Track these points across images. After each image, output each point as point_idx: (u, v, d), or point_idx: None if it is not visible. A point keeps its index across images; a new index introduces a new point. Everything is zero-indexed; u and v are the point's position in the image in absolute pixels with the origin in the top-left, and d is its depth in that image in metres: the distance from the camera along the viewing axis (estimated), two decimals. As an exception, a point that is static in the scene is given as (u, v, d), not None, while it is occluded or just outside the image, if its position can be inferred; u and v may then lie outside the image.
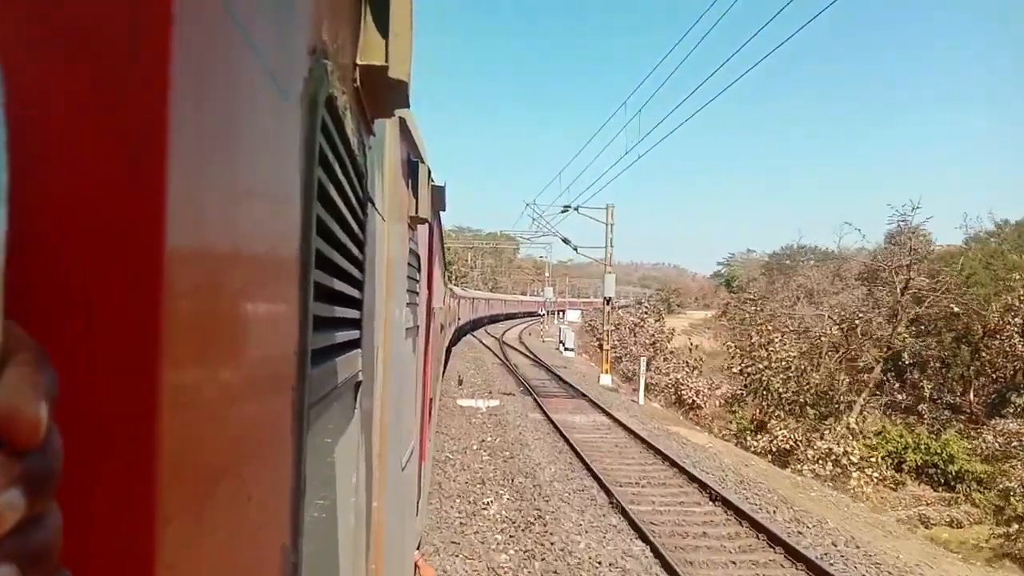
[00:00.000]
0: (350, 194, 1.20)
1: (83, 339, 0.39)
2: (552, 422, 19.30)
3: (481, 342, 49.67)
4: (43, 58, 0.37)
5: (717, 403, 37.97)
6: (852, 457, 26.04)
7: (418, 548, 4.80)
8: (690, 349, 46.29)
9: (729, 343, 42.81)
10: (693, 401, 37.39)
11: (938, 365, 36.03)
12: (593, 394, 24.95)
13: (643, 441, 17.11)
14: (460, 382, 25.36)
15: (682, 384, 38.52)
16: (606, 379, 32.60)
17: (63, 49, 0.38)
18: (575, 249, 33.81)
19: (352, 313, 1.35)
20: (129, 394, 0.39)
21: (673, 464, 14.86)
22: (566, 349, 48.20)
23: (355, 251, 1.31)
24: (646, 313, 57.31)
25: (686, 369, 40.52)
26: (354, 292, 1.34)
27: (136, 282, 0.39)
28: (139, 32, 0.38)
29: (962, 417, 34.08)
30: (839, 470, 25.93)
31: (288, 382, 0.73)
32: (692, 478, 13.80)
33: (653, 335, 49.64)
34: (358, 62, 1.20)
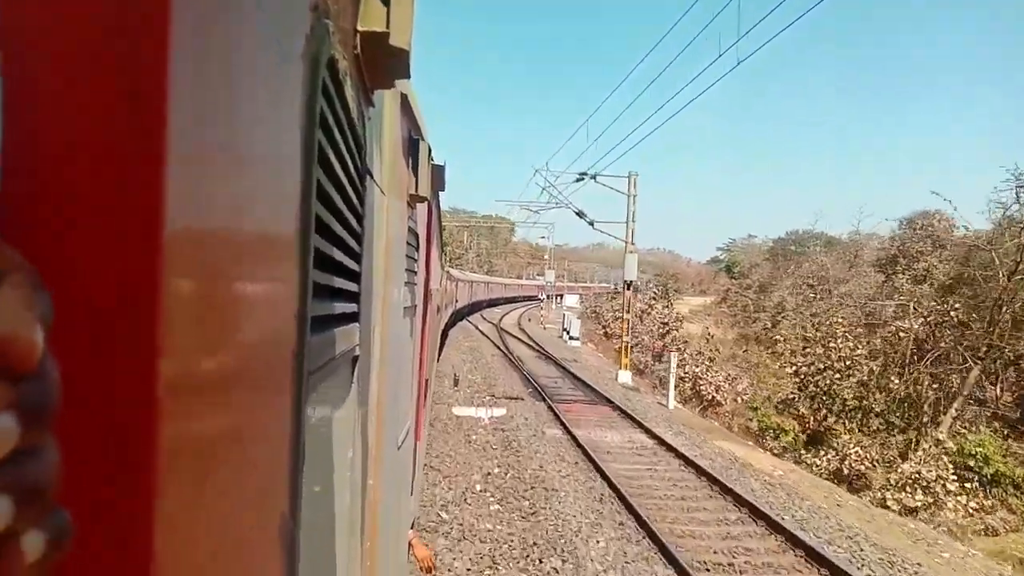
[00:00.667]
0: (349, 163, 1.18)
1: (77, 288, 0.37)
2: (577, 443, 14.52)
3: (478, 328, 45.43)
4: (34, 11, 0.36)
5: (737, 399, 34.11)
6: (949, 484, 20.59)
7: (412, 527, 4.82)
8: (707, 339, 42.95)
9: (783, 337, 38.31)
10: (712, 398, 33.29)
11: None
12: (617, 397, 20.45)
13: (709, 477, 12.26)
14: (456, 382, 20.47)
15: (701, 379, 34.26)
16: (625, 376, 27.76)
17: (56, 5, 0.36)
18: (591, 224, 28.45)
19: (351, 285, 1.34)
20: (129, 350, 0.38)
21: (772, 525, 9.88)
22: (571, 338, 43.98)
23: (354, 222, 1.29)
24: (654, 298, 53.98)
25: (706, 362, 36.44)
26: (352, 264, 1.33)
27: (135, 242, 0.38)
28: None
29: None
30: (930, 499, 20.45)
31: (289, 347, 0.72)
32: (813, 555, 8.80)
33: (666, 324, 45.79)
34: (359, 28, 1.18)
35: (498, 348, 33.96)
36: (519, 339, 40.48)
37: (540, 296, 62.07)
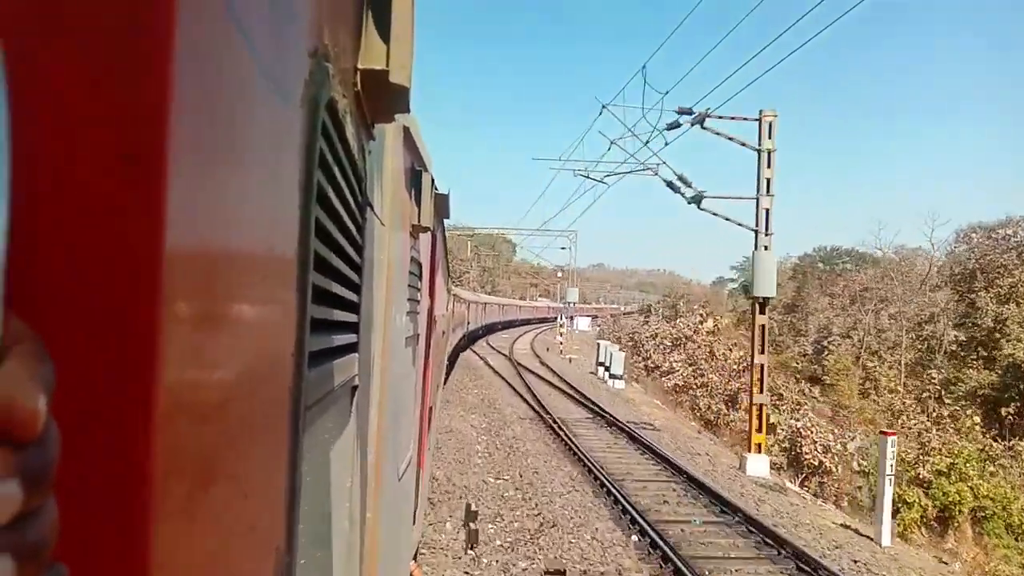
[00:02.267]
0: (349, 198, 1.20)
1: (80, 340, 0.39)
2: None
3: (487, 363, 35.01)
4: (44, 56, 0.37)
5: (847, 466, 23.99)
6: None
7: (415, 558, 4.77)
8: (796, 379, 34.28)
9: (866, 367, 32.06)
10: (820, 463, 22.97)
11: None
12: (790, 532, 10.94)
13: None
14: (471, 538, 9.17)
15: (803, 436, 23.49)
16: (759, 464, 15.99)
17: (64, 47, 0.38)
18: (696, 202, 17.37)
19: (350, 317, 1.35)
20: (126, 393, 0.39)
21: None
22: (611, 376, 31.70)
23: (353, 254, 1.31)
24: (701, 320, 45.36)
25: (803, 410, 27.23)
26: (352, 296, 1.34)
27: (135, 283, 0.39)
28: (140, 31, 0.39)
29: None
30: None
31: (285, 383, 0.73)
32: None
33: (740, 363, 33.55)
34: (359, 66, 1.21)
35: (522, 399, 22.95)
36: (545, 380, 29.43)
37: (561, 320, 55.08)
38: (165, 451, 0.41)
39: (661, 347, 44.26)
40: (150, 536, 0.40)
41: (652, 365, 42.86)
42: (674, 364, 39.40)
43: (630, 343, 47.41)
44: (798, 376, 37.87)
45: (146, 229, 0.39)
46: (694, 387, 36.09)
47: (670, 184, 17.88)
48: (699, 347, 41.06)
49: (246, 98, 0.55)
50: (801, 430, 23.78)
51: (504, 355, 41.65)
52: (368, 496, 1.87)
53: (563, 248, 53.27)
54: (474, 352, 41.47)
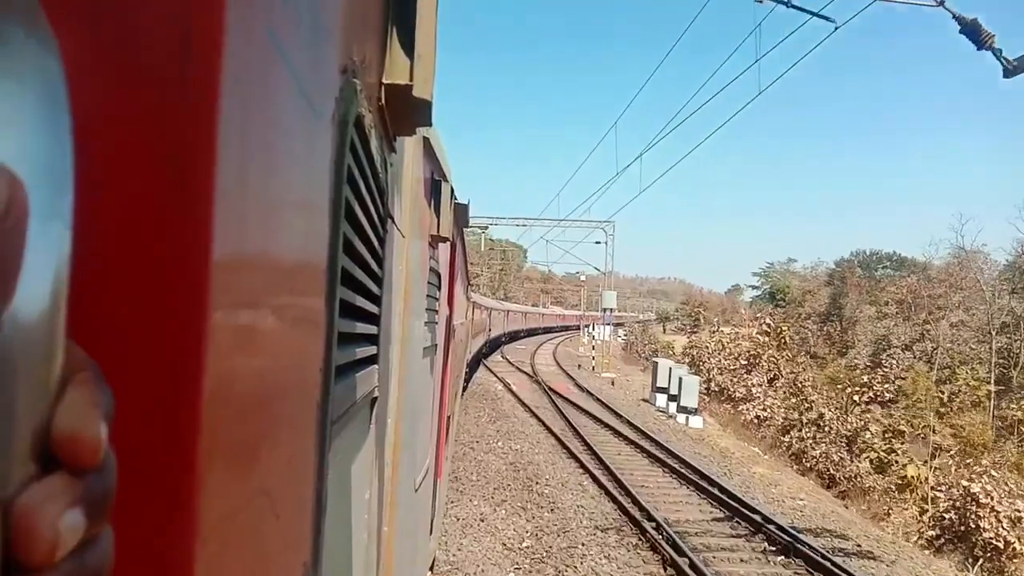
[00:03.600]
0: (372, 211, 1.21)
1: (128, 354, 0.39)
2: None
3: (509, 389, 26.76)
4: (98, 79, 0.38)
5: None
6: None
7: (431, 568, 4.76)
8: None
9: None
10: (1007, 544, 16.53)
11: None
12: None
13: None
14: None
15: (979, 504, 17.08)
16: None
17: (118, 70, 0.39)
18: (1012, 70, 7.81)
19: (370, 328, 1.36)
20: (171, 408, 0.39)
21: None
22: (681, 409, 23.70)
23: (375, 267, 1.32)
24: (767, 332, 36.64)
25: (972, 466, 19.78)
26: (373, 308, 1.35)
27: (183, 299, 0.40)
28: (190, 56, 0.39)
29: None
30: None
31: (313, 398, 0.73)
32: None
33: (857, 392, 26.94)
34: (384, 81, 1.22)
35: (581, 467, 14.64)
36: (597, 418, 20.86)
37: (594, 331, 48.00)
38: (208, 470, 0.41)
39: (731, 366, 36.22)
40: (193, 559, 0.40)
41: (716, 388, 34.79)
42: (753, 388, 32.19)
43: (685, 360, 37.21)
44: (857, 395, 29.09)
45: (195, 247, 0.40)
46: (796, 424, 27.13)
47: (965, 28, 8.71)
48: (766, 365, 34.61)
49: (285, 117, 0.55)
50: (978, 496, 16.71)
51: (526, 373, 33.83)
52: (384, 507, 1.87)
53: (598, 243, 43.56)
54: (489, 371, 33.21)
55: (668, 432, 20.43)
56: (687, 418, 23.39)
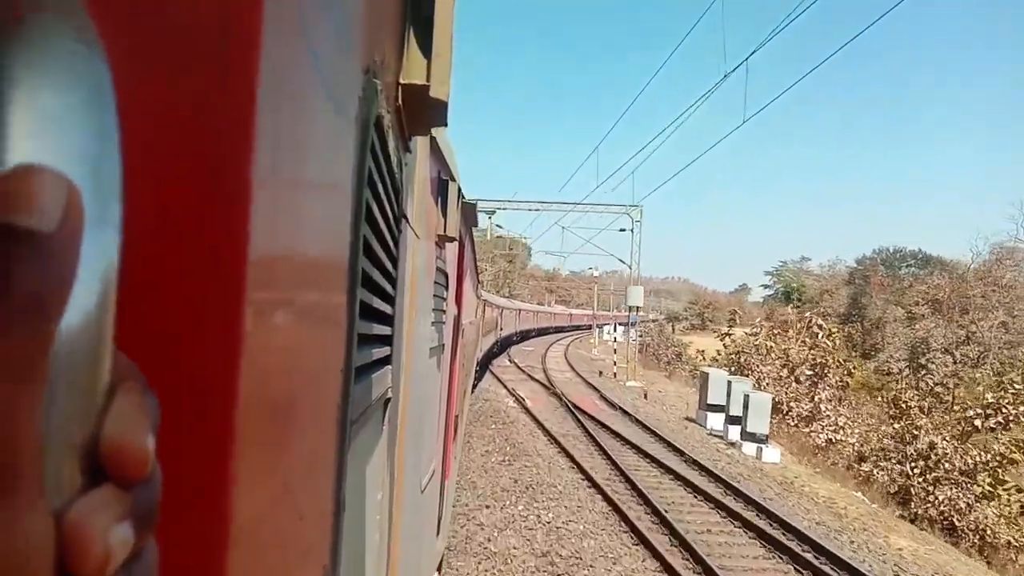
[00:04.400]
0: (388, 212, 1.21)
1: (164, 356, 0.39)
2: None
3: (523, 406, 21.59)
4: (137, 76, 0.38)
5: None
6: None
7: (439, 569, 4.76)
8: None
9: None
10: None
11: None
12: None
13: None
14: None
15: None
16: None
17: (157, 68, 0.39)
18: None
19: (385, 329, 1.35)
20: (206, 411, 0.39)
21: None
22: (746, 436, 18.94)
23: (390, 267, 1.31)
24: (828, 333, 30.57)
25: None
26: (387, 308, 1.35)
27: (220, 301, 0.40)
28: (229, 54, 0.39)
29: None
30: None
31: (335, 400, 0.73)
32: None
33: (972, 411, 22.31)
34: (401, 81, 1.21)
35: (647, 550, 9.55)
36: (640, 449, 16.23)
37: (616, 331, 42.54)
38: (243, 472, 0.41)
39: (779, 374, 30.05)
40: (225, 565, 0.40)
41: (796, 416, 27.46)
42: (823, 406, 26.53)
43: (728, 367, 30.21)
44: (979, 419, 22.80)
45: (231, 253, 0.39)
46: (889, 452, 22.06)
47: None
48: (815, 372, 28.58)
49: (315, 117, 0.55)
50: None
51: (540, 382, 28.20)
52: (392, 507, 1.87)
53: (623, 231, 36.49)
54: (496, 379, 27.72)
55: (745, 472, 15.49)
56: (758, 450, 18.04)
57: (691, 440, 18.78)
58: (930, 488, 20.58)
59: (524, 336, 54.67)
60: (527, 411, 20.81)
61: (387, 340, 1.41)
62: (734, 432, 19.40)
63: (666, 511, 11.04)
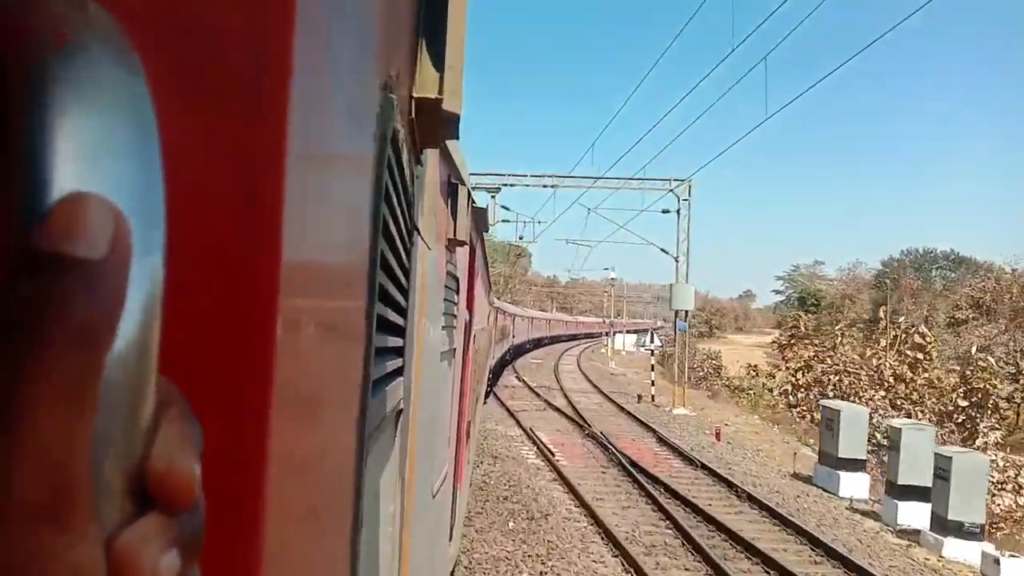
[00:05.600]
0: (402, 224, 1.22)
1: (199, 374, 0.39)
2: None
3: (549, 461, 14.34)
4: (176, 103, 0.39)
5: None
6: None
7: (452, 574, 4.76)
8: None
9: None
10: None
11: None
12: None
13: None
14: None
15: None
16: None
17: (194, 95, 0.39)
18: None
19: (398, 341, 1.36)
20: (240, 430, 0.40)
21: None
22: (943, 526, 10.53)
23: (403, 279, 1.32)
24: (921, 339, 24.15)
25: None
26: (400, 320, 1.35)
27: (253, 323, 0.40)
28: (265, 80, 0.40)
29: None
30: None
31: (355, 413, 0.74)
32: None
33: None
34: (414, 94, 1.22)
35: None
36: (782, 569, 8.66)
37: (648, 343, 32.03)
38: (273, 493, 0.41)
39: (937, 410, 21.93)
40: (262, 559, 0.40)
41: (882, 438, 18.65)
42: (991, 454, 17.00)
43: (790, 389, 24.53)
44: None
45: (264, 276, 0.40)
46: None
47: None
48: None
49: (339, 137, 0.56)
50: None
51: (562, 412, 20.78)
52: (404, 515, 1.87)
53: (666, 212, 28.36)
54: (504, 408, 20.81)
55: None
56: (986, 559, 10.27)
57: (849, 533, 11.10)
58: None
59: (537, 343, 53.38)
60: (559, 475, 13.27)
61: (399, 351, 1.42)
62: (906, 514, 11.61)
63: None
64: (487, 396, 15.83)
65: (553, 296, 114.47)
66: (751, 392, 34.53)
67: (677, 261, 27.39)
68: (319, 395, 0.55)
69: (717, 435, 19.56)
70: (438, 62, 1.23)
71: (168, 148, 0.26)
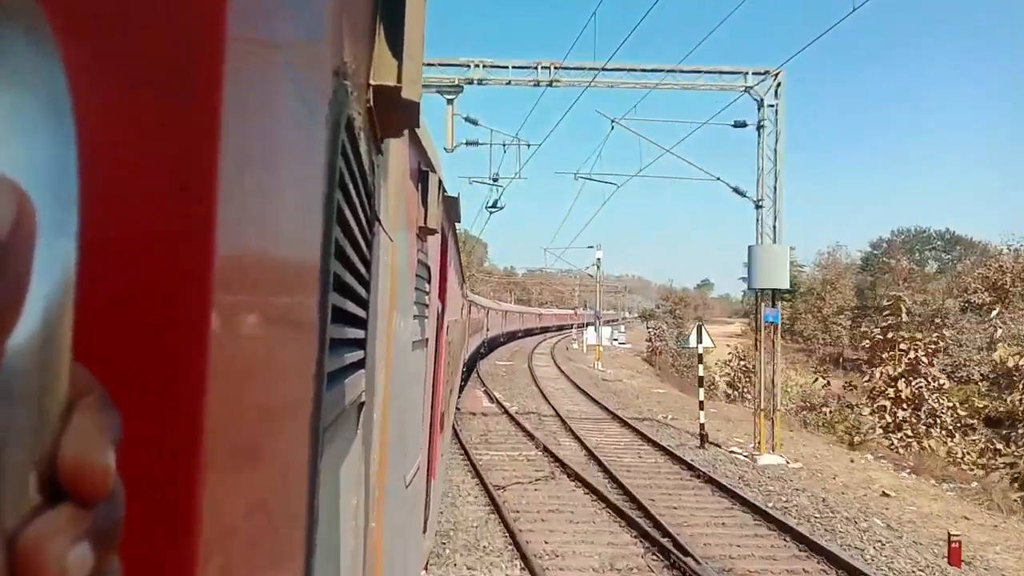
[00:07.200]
0: (361, 214, 1.20)
1: (127, 367, 0.38)
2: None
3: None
4: (101, 86, 0.38)
5: None
6: None
7: (425, 568, 4.76)
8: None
9: None
10: None
11: None
12: None
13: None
14: None
15: None
16: None
17: (121, 77, 0.39)
18: None
19: (358, 333, 1.35)
20: (173, 423, 0.39)
21: None
22: None
23: (363, 270, 1.31)
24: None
25: None
26: (360, 312, 1.34)
27: (185, 309, 0.39)
28: (194, 62, 0.39)
29: None
30: None
31: (307, 407, 0.73)
32: None
33: None
34: (371, 82, 1.20)
35: None
36: None
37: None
38: (209, 487, 0.40)
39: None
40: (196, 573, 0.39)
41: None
42: None
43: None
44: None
45: (197, 259, 0.39)
46: None
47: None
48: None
49: (283, 122, 0.55)
50: None
51: (576, 477, 11.45)
52: (371, 508, 1.86)
53: (740, 125, 16.48)
54: (467, 457, 12.65)
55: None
56: None
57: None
58: None
59: (511, 336, 53.71)
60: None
61: (360, 344, 1.40)
62: None
63: None
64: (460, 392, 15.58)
65: (511, 288, 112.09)
66: (833, 417, 22.44)
67: (759, 207, 16.62)
68: (263, 386, 0.54)
69: (952, 557, 9.50)
70: (396, 50, 1.21)
71: (94, 133, 0.26)
